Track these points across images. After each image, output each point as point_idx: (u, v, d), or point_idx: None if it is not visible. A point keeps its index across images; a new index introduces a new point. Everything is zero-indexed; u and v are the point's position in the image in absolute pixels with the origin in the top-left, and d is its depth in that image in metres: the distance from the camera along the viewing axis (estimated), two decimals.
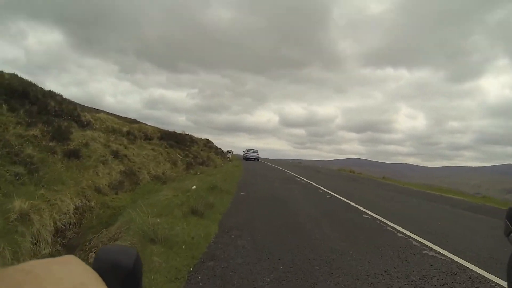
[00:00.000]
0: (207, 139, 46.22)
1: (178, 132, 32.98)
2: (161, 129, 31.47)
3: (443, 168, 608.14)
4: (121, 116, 35.41)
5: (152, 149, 21.48)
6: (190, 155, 26.69)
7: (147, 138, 24.99)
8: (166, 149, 24.41)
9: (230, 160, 41.82)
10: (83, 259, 0.73)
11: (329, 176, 30.72)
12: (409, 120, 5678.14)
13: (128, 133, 21.48)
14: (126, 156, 16.79)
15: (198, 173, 21.37)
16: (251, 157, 52.45)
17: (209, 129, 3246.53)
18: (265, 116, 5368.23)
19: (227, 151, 56.25)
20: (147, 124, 33.39)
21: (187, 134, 35.49)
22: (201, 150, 34.70)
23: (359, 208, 11.05)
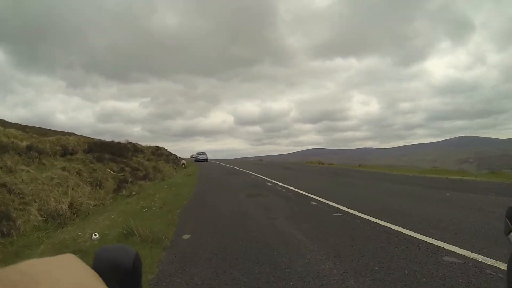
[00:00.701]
0: (157, 146, 39.90)
1: (118, 141, 26.76)
2: (92, 139, 25.12)
3: (400, 148, 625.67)
4: (43, 128, 28.74)
5: (63, 169, 15.17)
6: (127, 168, 20.50)
7: (68, 153, 18.87)
8: (92, 165, 18.19)
9: (184, 167, 35.94)
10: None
11: (303, 172, 25.52)
12: (362, 106, 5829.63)
13: (28, 148, 15.10)
14: (3, 185, 10.64)
15: (133, 193, 15.36)
16: (200, 158, 62.07)
17: (166, 136, 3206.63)
18: (220, 117, 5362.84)
19: (180, 158, 50.54)
20: (75, 135, 26.92)
21: (129, 143, 29.01)
22: (147, 160, 28.46)
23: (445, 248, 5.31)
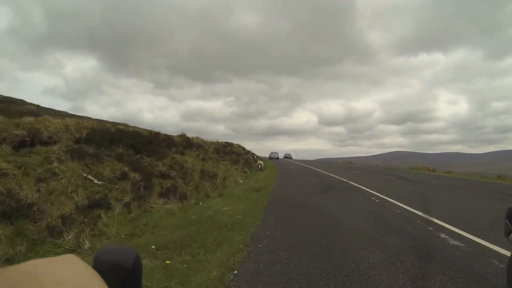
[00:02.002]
0: (226, 142, 30.04)
1: (149, 130, 16.86)
2: (105, 123, 15.59)
3: (491, 154, 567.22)
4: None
5: None
6: (135, 174, 10.28)
7: (39, 142, 9.62)
8: (54, 165, 8.46)
9: (260, 170, 25.51)
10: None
11: (452, 190, 14.00)
12: (450, 106, 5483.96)
13: None
14: None
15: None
16: (273, 157, 71.04)
17: (249, 135, 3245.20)
18: (303, 117, 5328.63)
19: (257, 157, 40.75)
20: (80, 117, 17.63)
21: (160, 133, 18.61)
22: (202, 160, 18.39)
23: None
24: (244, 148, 41.91)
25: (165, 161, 13.11)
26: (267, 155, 76.70)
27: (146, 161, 11.89)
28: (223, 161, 21.31)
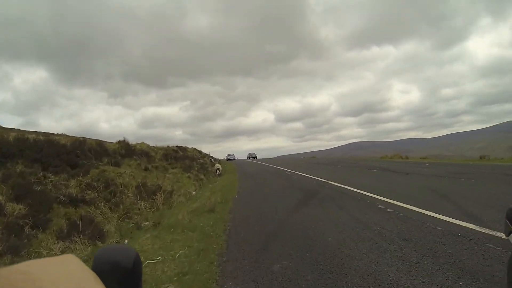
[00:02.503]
0: (178, 147, 26.61)
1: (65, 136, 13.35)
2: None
3: (445, 137, 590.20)
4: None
5: None
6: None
7: None
8: None
9: (219, 176, 22.50)
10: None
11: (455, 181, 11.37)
12: (403, 95, 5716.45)
13: None
14: None
15: None
16: (230, 158, 70.68)
17: (208, 138, 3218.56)
18: (261, 116, 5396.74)
19: (215, 161, 37.06)
20: None
21: (84, 140, 14.84)
22: (144, 170, 15.15)
23: None
24: (200, 152, 38.50)
25: (81, 178, 9.62)
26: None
27: (51, 181, 8.47)
28: (172, 169, 18.09)
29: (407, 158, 33.23)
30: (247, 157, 78.93)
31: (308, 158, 60.74)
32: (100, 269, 0.65)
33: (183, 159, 22.57)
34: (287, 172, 21.30)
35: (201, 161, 28.10)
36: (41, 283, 0.64)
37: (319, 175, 17.28)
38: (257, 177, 20.07)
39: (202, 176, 20.34)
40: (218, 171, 23.01)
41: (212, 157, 39.84)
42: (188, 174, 18.61)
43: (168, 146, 24.07)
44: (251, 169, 27.90)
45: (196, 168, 22.00)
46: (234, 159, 71.94)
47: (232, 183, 16.93)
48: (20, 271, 0.65)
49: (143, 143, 20.42)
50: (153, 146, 21.40)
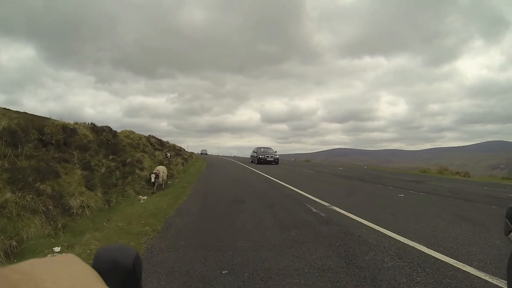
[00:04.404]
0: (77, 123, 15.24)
1: None
2: None
3: (427, 151, 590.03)
4: None
5: None
6: None
7: None
8: None
9: (157, 187, 11.57)
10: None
11: None
12: (390, 106, 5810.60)
13: None
14: None
15: None
16: (203, 153, 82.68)
17: (192, 132, 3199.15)
18: (247, 114, 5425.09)
19: (169, 157, 24.15)
20: None
21: None
22: None
23: None
24: (159, 142, 27.17)
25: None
26: (210, 153, 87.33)
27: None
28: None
29: (464, 176, 23.44)
30: (200, 153, 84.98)
31: (300, 162, 49.31)
32: (100, 268, 0.62)
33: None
34: (284, 188, 10.46)
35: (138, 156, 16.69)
36: (43, 283, 0.62)
37: (351, 204, 7.02)
38: (232, 196, 9.91)
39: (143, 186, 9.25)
40: (155, 179, 11.96)
41: (167, 152, 26.10)
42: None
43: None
44: (223, 176, 18.64)
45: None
46: (206, 154, 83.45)
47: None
48: (22, 270, 0.62)
49: None
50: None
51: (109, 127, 15.83)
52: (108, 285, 0.62)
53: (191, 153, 56.83)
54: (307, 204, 8.71)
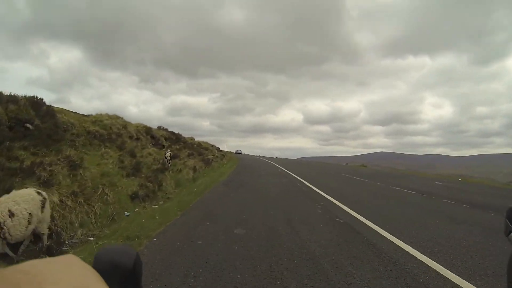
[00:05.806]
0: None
1: None
2: None
3: (473, 157, 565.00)
4: None
5: None
6: None
7: None
8: None
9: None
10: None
11: None
12: (435, 109, 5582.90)
13: None
14: None
15: None
16: (238, 152, 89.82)
17: (235, 132, 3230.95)
18: (289, 115, 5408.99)
19: (166, 152, 20.30)
20: None
21: None
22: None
23: None
24: (173, 137, 27.18)
25: None
26: (252, 153, 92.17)
27: None
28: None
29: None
30: (235, 152, 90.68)
31: (353, 166, 42.59)
32: (101, 269, 0.63)
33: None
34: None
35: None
36: (44, 283, 0.63)
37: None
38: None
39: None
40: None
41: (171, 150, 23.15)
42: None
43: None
44: (260, 184, 15.15)
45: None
46: (241, 153, 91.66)
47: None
48: (23, 271, 0.63)
49: None
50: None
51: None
52: (108, 285, 0.64)
53: (224, 153, 54.39)
54: None
